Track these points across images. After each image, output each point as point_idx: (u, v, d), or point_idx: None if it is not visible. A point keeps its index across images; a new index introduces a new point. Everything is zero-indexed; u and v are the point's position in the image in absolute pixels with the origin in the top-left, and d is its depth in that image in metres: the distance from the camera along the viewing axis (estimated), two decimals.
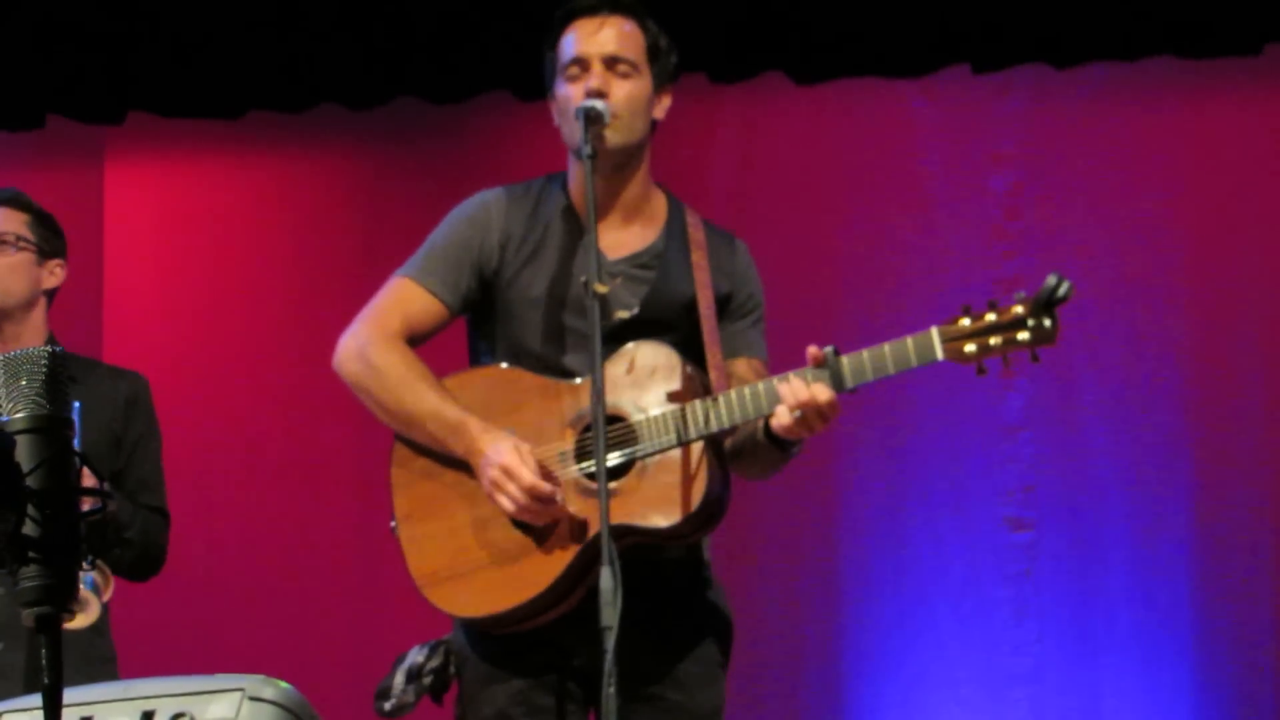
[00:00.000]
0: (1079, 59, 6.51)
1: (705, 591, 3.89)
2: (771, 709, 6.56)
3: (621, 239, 3.89)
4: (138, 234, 7.29)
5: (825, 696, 6.65)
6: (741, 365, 3.85)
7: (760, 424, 3.70)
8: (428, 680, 4.95)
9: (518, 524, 3.75)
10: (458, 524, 3.82)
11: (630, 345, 3.75)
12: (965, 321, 3.54)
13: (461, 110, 6.90)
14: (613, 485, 3.63)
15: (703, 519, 3.68)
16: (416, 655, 5.74)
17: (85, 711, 2.87)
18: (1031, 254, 6.72)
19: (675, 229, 3.91)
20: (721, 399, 3.64)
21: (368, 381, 3.88)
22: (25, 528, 2.31)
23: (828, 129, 6.92)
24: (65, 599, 2.36)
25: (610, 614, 3.45)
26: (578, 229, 3.86)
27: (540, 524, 3.72)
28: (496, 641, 3.83)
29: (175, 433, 6.92)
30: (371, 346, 3.89)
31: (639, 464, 3.68)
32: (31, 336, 4.73)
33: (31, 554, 2.32)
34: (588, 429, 3.69)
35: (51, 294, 4.82)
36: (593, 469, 3.61)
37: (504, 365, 3.88)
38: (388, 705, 5.76)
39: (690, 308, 3.82)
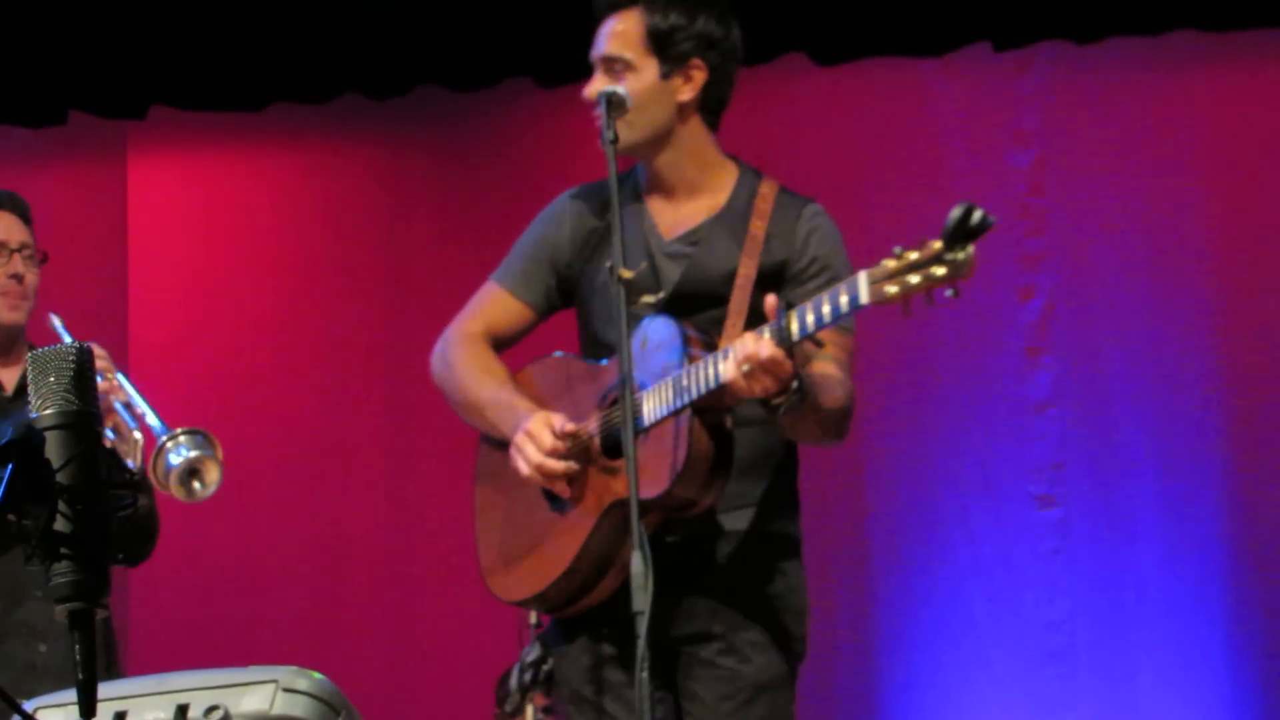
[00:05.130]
0: (1100, 34, 6.50)
1: (769, 560, 3.88)
2: (804, 686, 6.55)
3: (678, 218, 3.93)
4: (162, 228, 7.31)
5: (858, 675, 6.65)
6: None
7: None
8: (528, 675, 5.01)
9: (552, 506, 3.81)
10: (511, 513, 3.93)
11: (644, 321, 3.79)
12: (890, 263, 3.44)
13: (484, 98, 6.91)
14: (618, 462, 3.69)
15: (692, 484, 3.69)
16: (526, 652, 5.85)
17: (119, 706, 2.88)
18: (1055, 231, 6.71)
19: (739, 201, 3.91)
20: (702, 362, 3.65)
21: (445, 381, 4.03)
22: (57, 523, 2.32)
23: (849, 109, 6.92)
24: (98, 594, 2.37)
25: (641, 598, 3.47)
26: (642, 216, 3.91)
27: (563, 494, 3.80)
28: (567, 624, 3.91)
29: (203, 425, 6.95)
30: (450, 348, 4.03)
31: (641, 436, 3.71)
32: (20, 346, 4.66)
33: (64, 550, 2.33)
34: (613, 405, 3.75)
35: None
36: (612, 445, 3.72)
37: (559, 354, 3.99)
38: (507, 707, 5.82)
39: (733, 279, 3.84)
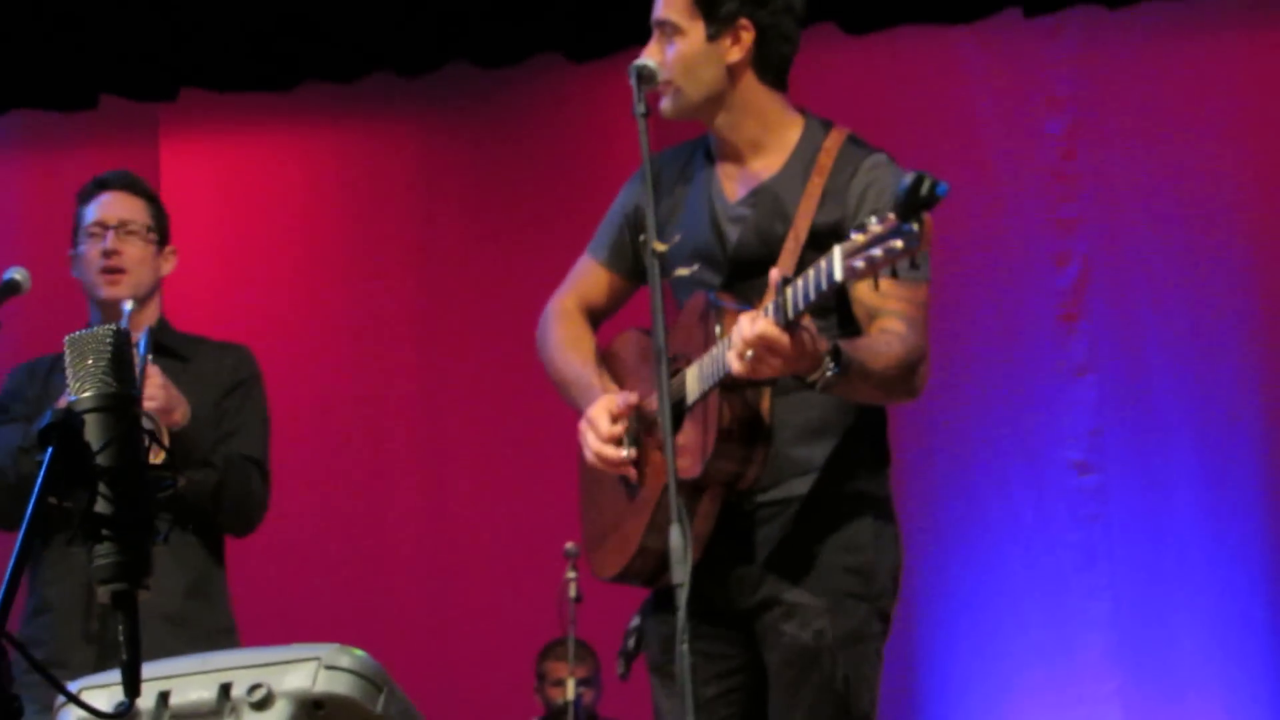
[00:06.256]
0: None
1: (838, 522, 3.85)
2: None
3: (743, 179, 3.89)
4: (194, 209, 7.31)
5: (896, 643, 6.63)
6: (861, 289, 3.69)
7: None
8: (630, 642, 5.06)
9: (625, 485, 3.82)
10: (600, 491, 3.94)
11: (694, 295, 3.77)
12: (859, 237, 3.29)
13: (514, 73, 6.90)
14: (678, 437, 3.66)
15: (728, 459, 3.66)
16: (632, 620, 5.91)
17: (163, 685, 2.89)
18: (1089, 196, 6.69)
19: (802, 158, 3.86)
20: (726, 340, 3.62)
21: (542, 357, 4.02)
22: (98, 506, 2.33)
23: (880, 79, 6.90)
24: (140, 575, 2.38)
25: (680, 571, 3.46)
26: (711, 181, 3.88)
27: (631, 478, 3.79)
28: (657, 595, 3.91)
29: None
30: (544, 324, 4.03)
31: (689, 413, 3.70)
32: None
33: (105, 531, 2.34)
34: (672, 378, 3.70)
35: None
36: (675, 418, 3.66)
37: (635, 329, 3.95)
38: (620, 670, 5.96)
39: (784, 241, 3.80)
